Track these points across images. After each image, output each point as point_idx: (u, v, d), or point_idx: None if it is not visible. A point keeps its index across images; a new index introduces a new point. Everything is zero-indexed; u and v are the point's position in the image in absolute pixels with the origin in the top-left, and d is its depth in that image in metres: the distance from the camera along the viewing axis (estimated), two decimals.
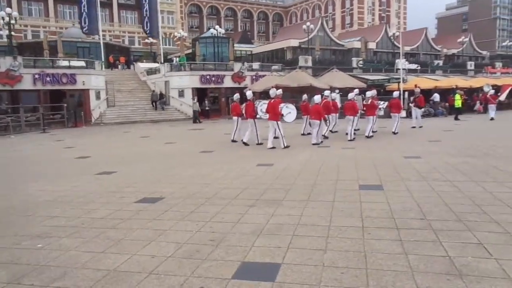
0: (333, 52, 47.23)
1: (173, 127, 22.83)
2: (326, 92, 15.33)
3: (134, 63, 39.12)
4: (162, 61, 32.04)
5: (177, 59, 31.18)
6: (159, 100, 29.61)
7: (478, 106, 28.07)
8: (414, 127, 17.70)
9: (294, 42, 43.40)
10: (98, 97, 26.87)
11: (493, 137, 12.91)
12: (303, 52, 40.37)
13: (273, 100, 12.06)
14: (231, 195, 6.25)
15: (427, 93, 26.66)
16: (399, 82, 26.11)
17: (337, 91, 22.22)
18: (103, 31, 58.75)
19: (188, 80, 30.03)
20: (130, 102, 30.33)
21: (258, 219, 4.94)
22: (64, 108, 23.91)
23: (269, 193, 6.31)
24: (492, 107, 22.00)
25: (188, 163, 9.76)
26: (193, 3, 70.74)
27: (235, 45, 49.20)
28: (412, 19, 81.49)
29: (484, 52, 59.77)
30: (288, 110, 12.66)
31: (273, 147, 11.67)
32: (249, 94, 12.97)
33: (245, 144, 12.58)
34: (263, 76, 30.82)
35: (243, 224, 4.80)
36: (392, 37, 45.54)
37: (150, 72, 33.77)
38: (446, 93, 27.80)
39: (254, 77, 32.07)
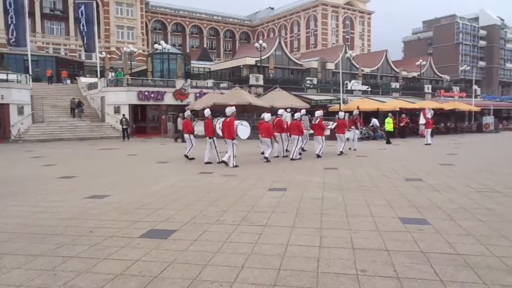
0: (291, 72, 46.58)
1: (90, 146, 21.09)
2: (280, 111, 15.13)
3: (76, 77, 37.24)
4: (99, 76, 30.31)
5: (113, 73, 29.52)
6: (77, 108, 28.73)
7: (422, 129, 27.52)
8: (350, 148, 17.25)
9: (250, 60, 42.47)
10: (20, 112, 24.92)
11: (395, 166, 11.64)
12: (260, 71, 39.53)
13: (228, 119, 11.67)
14: None
15: (370, 114, 26.12)
16: (339, 104, 25.36)
17: (288, 110, 21.33)
18: (57, 44, 57.68)
19: (125, 96, 28.40)
20: (62, 118, 28.45)
21: None
22: None
23: (27, 241, 4.83)
24: (427, 132, 21.37)
25: (23, 191, 8.19)
26: (157, 19, 69.57)
27: (193, 62, 48.13)
28: (381, 43, 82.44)
29: (444, 76, 60.53)
30: (243, 128, 12.24)
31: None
32: (206, 112, 12.78)
33: (207, 163, 12.25)
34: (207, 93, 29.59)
35: None
36: (350, 58, 45.29)
37: (91, 87, 32.08)
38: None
39: (198, 94, 30.78)
